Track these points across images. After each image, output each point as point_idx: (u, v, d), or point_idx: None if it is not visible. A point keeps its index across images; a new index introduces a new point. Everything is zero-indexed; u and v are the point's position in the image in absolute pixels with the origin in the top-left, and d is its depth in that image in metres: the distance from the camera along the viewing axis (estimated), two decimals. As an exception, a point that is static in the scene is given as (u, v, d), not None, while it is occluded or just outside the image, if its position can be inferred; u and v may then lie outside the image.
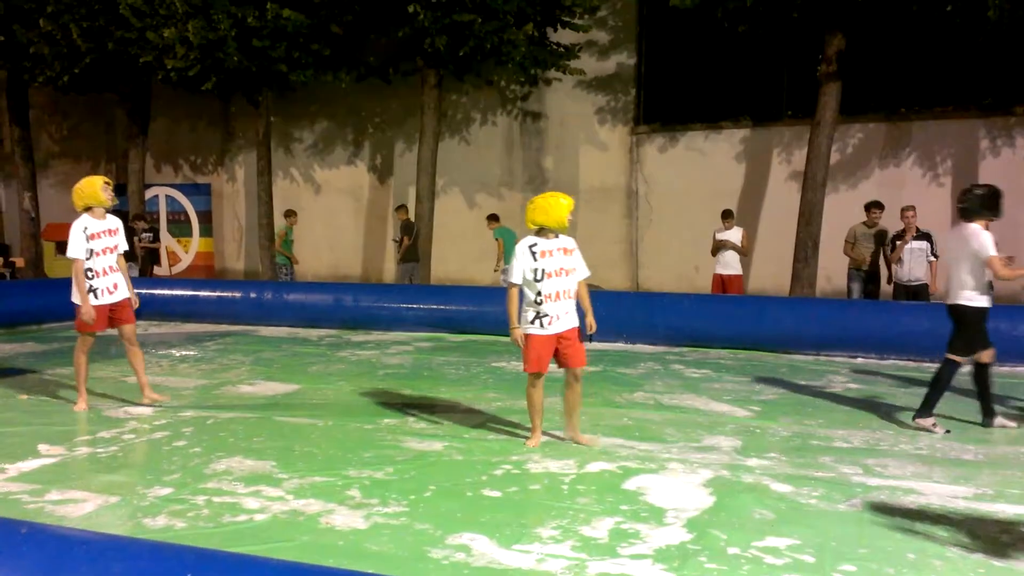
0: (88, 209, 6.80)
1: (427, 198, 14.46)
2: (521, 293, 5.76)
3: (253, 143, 16.49)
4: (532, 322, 5.69)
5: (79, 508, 4.54)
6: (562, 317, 5.68)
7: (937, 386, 6.24)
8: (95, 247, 6.73)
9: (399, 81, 15.00)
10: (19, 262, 18.22)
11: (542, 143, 16.04)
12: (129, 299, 7.00)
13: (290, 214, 14.53)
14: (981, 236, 6.03)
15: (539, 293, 5.62)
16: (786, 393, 7.57)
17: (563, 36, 14.19)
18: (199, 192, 18.52)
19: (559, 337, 5.70)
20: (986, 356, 6.19)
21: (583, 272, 5.85)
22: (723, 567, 3.78)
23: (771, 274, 13.52)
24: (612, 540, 4.11)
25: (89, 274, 6.73)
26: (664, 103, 15.16)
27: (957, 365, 6.23)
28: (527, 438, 5.93)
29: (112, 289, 6.85)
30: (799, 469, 5.27)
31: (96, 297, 6.77)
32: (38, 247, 18.60)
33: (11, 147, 18.35)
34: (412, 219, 14.34)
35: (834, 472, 5.20)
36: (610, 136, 15.49)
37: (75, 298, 6.80)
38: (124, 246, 7.00)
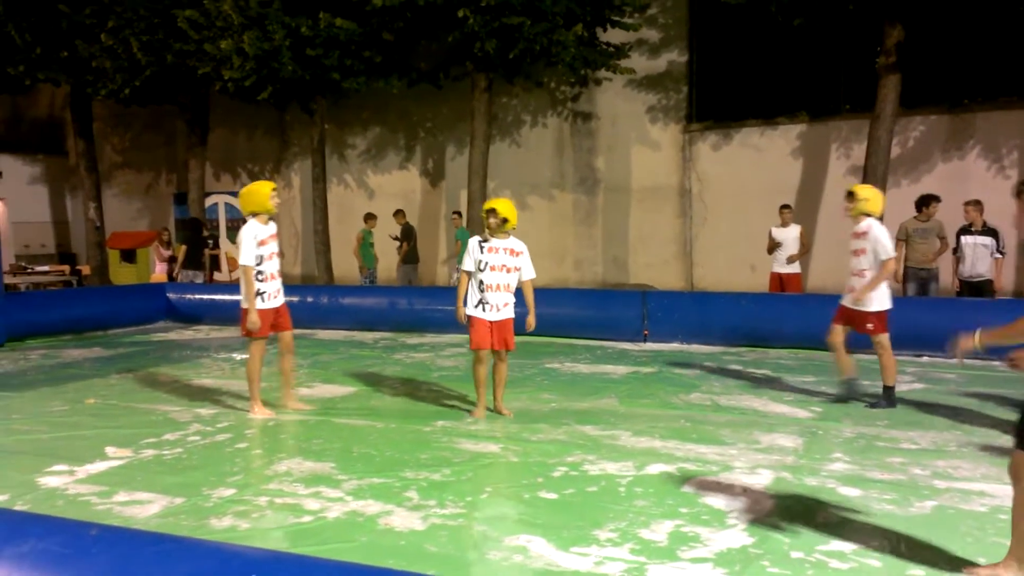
0: (254, 215, 6.84)
1: (479, 201, 14.48)
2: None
3: (308, 150, 16.75)
4: (476, 306, 6.58)
5: (145, 509, 4.65)
6: (501, 308, 6.56)
7: None
8: (263, 252, 6.82)
9: (449, 86, 15.09)
10: (85, 270, 18.79)
11: (593, 143, 15.97)
12: (286, 304, 7.15)
13: (369, 217, 14.69)
14: None
15: (481, 283, 6.53)
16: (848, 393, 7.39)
17: (613, 35, 14.11)
18: (256, 199, 18.82)
19: (495, 324, 6.56)
20: None
21: (528, 273, 6.68)
22: (786, 571, 3.71)
23: (830, 272, 13.23)
24: (672, 543, 4.06)
25: (260, 278, 6.83)
26: (717, 100, 14.97)
27: None
28: (585, 437, 5.90)
29: (276, 294, 6.99)
30: (864, 471, 5.14)
31: (263, 301, 6.87)
32: (103, 255, 19.16)
33: (76, 159, 18.96)
34: (410, 222, 14.91)
35: (901, 474, 5.07)
36: (662, 135, 15.35)
37: (244, 304, 6.87)
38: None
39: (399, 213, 14.96)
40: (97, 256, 19.13)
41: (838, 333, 7.03)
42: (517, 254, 6.59)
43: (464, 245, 13.32)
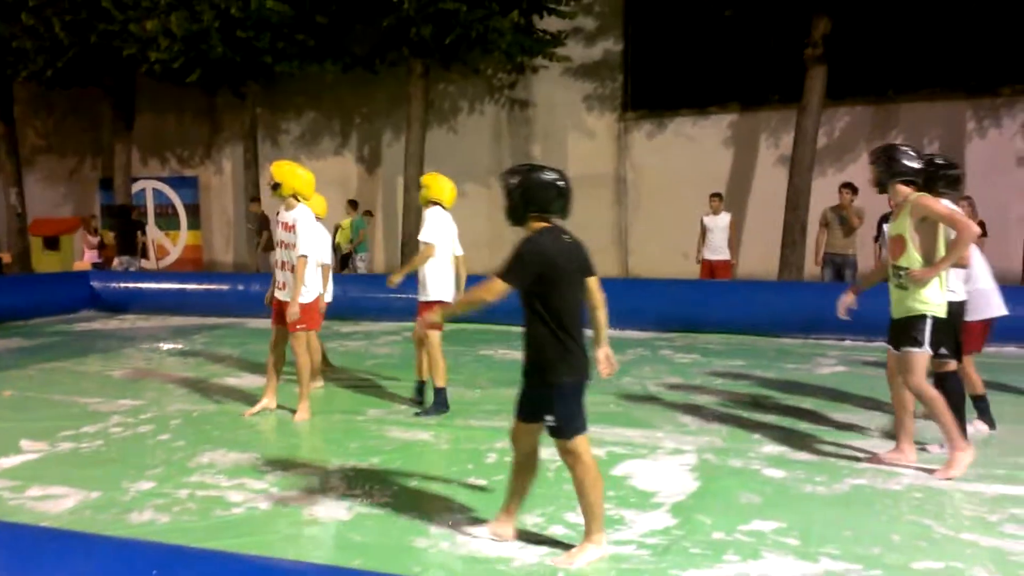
0: (294, 198, 6.26)
1: (415, 187, 14.37)
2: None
3: (240, 135, 16.39)
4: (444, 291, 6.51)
5: (60, 504, 4.50)
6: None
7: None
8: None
9: (385, 71, 14.91)
10: (6, 258, 18.10)
11: (530, 131, 15.97)
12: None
13: (352, 205, 14.44)
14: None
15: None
16: (775, 376, 7.56)
17: (549, 23, 14.10)
18: (186, 185, 18.39)
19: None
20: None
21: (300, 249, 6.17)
22: (707, 552, 3.77)
23: (760, 259, 13.50)
24: (597, 526, 4.09)
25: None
26: (651, 89, 15.10)
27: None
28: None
29: (282, 287, 6.45)
30: (786, 453, 5.26)
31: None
32: (25, 242, 18.47)
33: (-5, 142, 18.20)
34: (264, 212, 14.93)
35: (821, 455, 5.19)
36: (598, 123, 15.44)
37: (299, 296, 6.23)
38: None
39: (255, 201, 14.99)
40: (19, 243, 18.44)
41: None
42: (289, 228, 6.21)
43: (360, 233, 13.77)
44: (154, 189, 18.37)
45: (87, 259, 15.18)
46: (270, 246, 14.31)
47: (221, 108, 17.92)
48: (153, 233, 17.65)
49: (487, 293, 3.57)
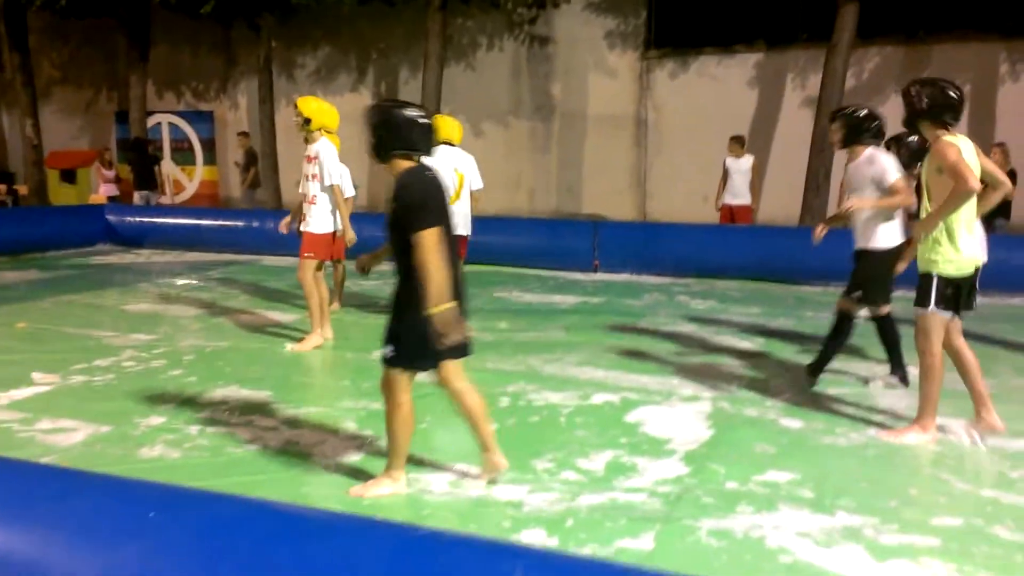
0: (322, 132, 6.42)
1: (432, 126, 14.15)
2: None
3: (255, 70, 16.13)
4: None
5: (69, 437, 4.50)
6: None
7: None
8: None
9: (403, 5, 14.57)
10: (22, 189, 18.09)
11: (550, 69, 15.62)
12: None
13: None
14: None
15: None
16: (793, 325, 7.44)
17: (572, -45, 13.68)
18: (202, 120, 18.19)
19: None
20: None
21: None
22: (719, 502, 3.71)
23: (782, 204, 13.25)
24: (608, 473, 4.05)
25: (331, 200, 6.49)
26: (676, 27, 14.66)
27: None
28: (530, 368, 5.85)
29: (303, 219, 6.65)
30: (802, 403, 5.17)
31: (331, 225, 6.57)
32: (42, 175, 18.42)
33: (11, 73, 18.00)
34: (253, 146, 14.99)
35: (838, 406, 5.10)
36: (619, 61, 15.06)
37: (334, 225, 6.53)
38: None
39: (243, 135, 15.01)
40: (35, 176, 18.37)
41: None
42: (311, 160, 6.41)
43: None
44: (170, 123, 18.20)
45: (103, 192, 15.13)
46: (256, 183, 14.33)
47: (236, 41, 17.62)
48: (169, 168, 17.54)
49: (430, 253, 3.45)
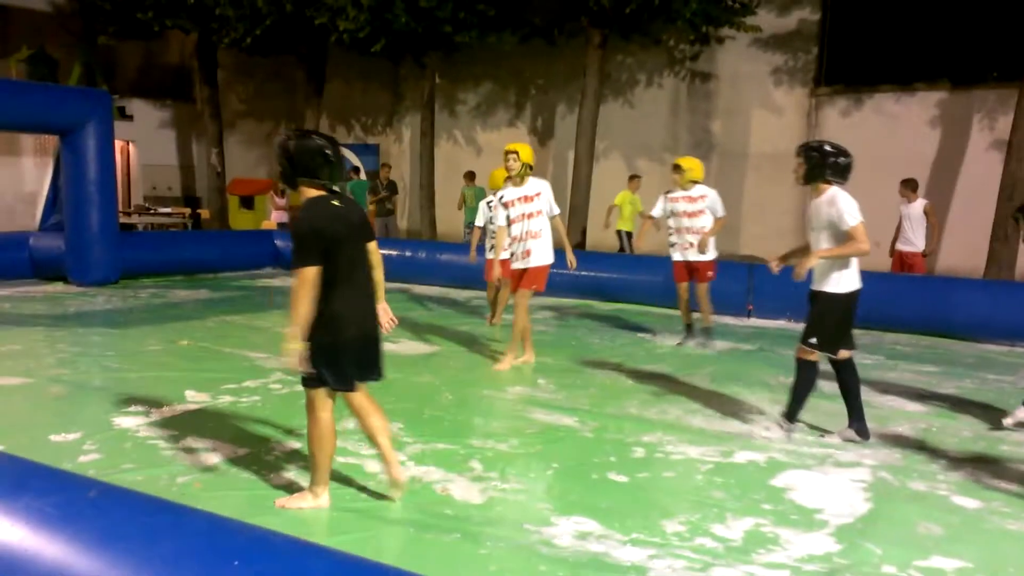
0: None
1: (585, 161, 14.07)
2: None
3: (419, 105, 16.68)
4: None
5: (208, 458, 4.60)
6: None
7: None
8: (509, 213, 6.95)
9: (563, 43, 14.64)
10: (205, 214, 19.46)
11: (711, 106, 15.19)
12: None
13: (469, 176, 14.53)
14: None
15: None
16: (973, 388, 6.68)
17: (740, -10, 13.28)
18: (368, 152, 18.99)
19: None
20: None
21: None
22: (874, 589, 3.27)
23: (964, 253, 12.18)
24: (747, 543, 3.68)
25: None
26: (849, 62, 13.91)
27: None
28: (669, 417, 5.53)
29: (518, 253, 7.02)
30: (979, 478, 4.57)
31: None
32: (223, 200, 19.77)
33: (201, 106, 19.53)
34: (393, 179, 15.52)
35: (1022, 485, 4.47)
36: (786, 98, 14.44)
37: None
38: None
39: (386, 167, 15.42)
40: (217, 201, 19.76)
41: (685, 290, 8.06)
42: (529, 199, 6.78)
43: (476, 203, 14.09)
44: (339, 155, 19.09)
45: (274, 219, 16.00)
46: (382, 211, 14.63)
47: (404, 78, 18.32)
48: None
49: (301, 289, 3.63)
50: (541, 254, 6.82)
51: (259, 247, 13.68)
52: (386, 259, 13.29)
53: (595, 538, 3.67)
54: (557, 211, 6.95)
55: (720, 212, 7.98)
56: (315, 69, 17.74)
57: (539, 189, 6.80)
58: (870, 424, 5.59)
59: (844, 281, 5.04)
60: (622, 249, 13.04)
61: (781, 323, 9.47)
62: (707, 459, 4.80)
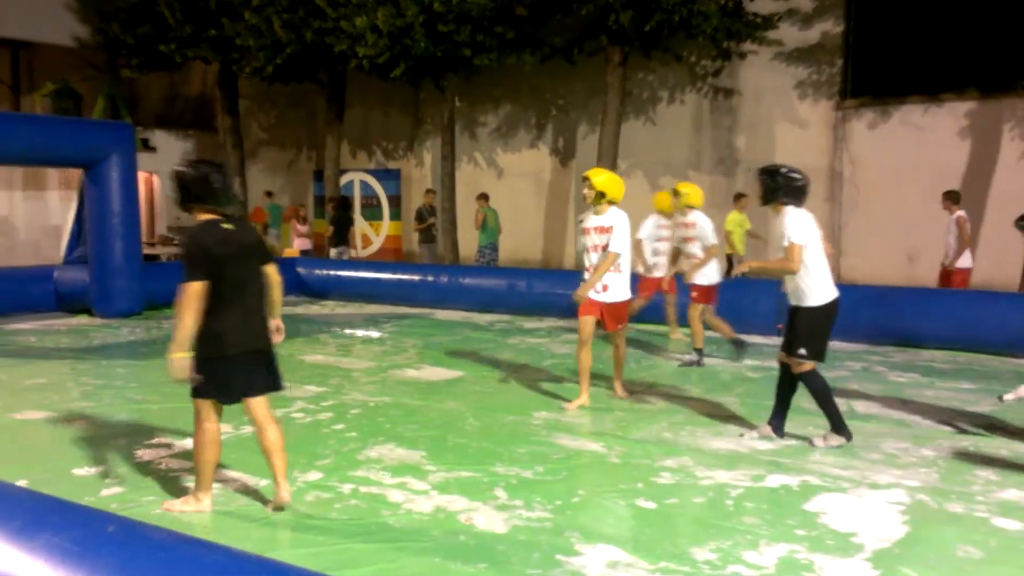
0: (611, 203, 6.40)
1: (609, 181, 13.98)
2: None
3: (439, 128, 16.71)
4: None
5: (229, 490, 4.54)
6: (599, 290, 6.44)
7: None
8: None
9: (583, 61, 14.59)
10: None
11: (734, 121, 15.06)
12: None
13: (481, 197, 14.42)
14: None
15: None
16: (1011, 405, 6.46)
17: (761, 5, 13.19)
18: (390, 177, 19.07)
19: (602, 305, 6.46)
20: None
21: (613, 247, 6.36)
22: (917, 620, 3.12)
23: (999, 267, 11.91)
24: (781, 571, 3.55)
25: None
26: (875, 74, 13.72)
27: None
28: (698, 440, 5.39)
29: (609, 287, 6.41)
30: (1019, 499, 4.39)
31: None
32: (246, 229, 19.87)
33: (223, 135, 19.73)
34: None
35: (1070, 507, 4.28)
36: (811, 112, 14.28)
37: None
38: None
39: (431, 192, 15.32)
40: (241, 229, 19.85)
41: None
42: (604, 231, 6.33)
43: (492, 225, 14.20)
44: (361, 181, 19.20)
45: (296, 246, 16.07)
46: (428, 237, 14.55)
47: (424, 102, 18.38)
48: (359, 223, 18.45)
49: (185, 303, 3.89)
50: (618, 289, 6.35)
51: (282, 275, 13.66)
52: (407, 284, 13.10)
53: (623, 567, 3.56)
54: (616, 251, 6.27)
55: (710, 241, 7.95)
56: (335, 95, 17.86)
57: (612, 223, 6.28)
58: (907, 443, 5.44)
59: (817, 294, 5.28)
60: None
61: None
62: (738, 483, 4.66)
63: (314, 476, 4.80)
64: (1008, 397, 5.76)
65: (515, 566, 3.59)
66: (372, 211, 19.10)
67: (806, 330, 5.27)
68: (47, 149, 10.42)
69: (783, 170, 5.42)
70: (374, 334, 10.04)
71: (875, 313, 9.12)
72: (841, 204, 14.09)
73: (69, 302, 11.46)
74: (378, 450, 5.29)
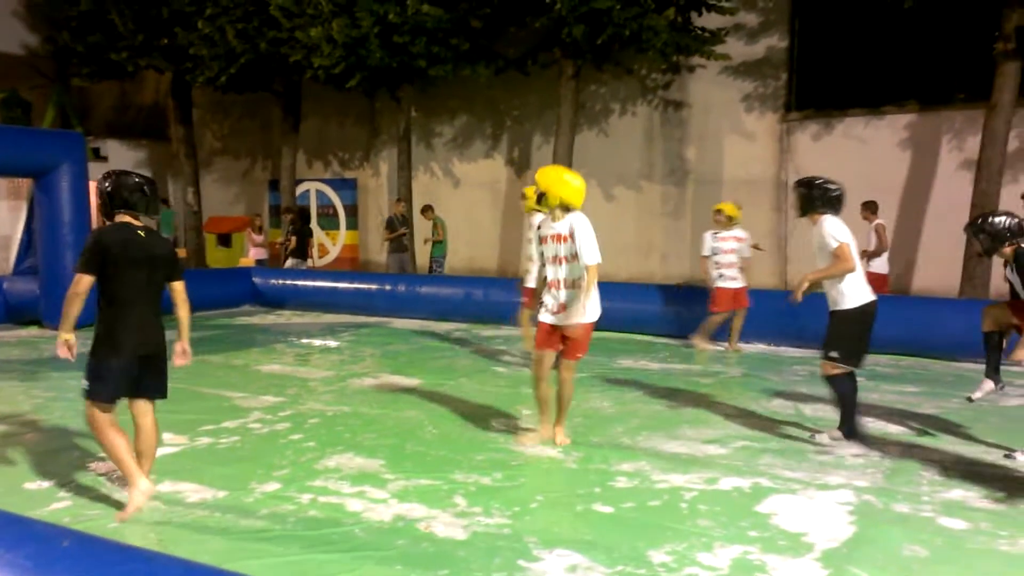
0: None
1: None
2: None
3: (395, 138, 16.73)
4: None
5: (184, 502, 4.52)
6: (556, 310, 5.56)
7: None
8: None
9: (537, 74, 14.74)
10: (182, 252, 19.33)
11: (684, 133, 15.35)
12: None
13: (426, 209, 14.46)
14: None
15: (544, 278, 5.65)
16: (955, 407, 6.70)
17: (708, 20, 13.47)
18: (346, 186, 19.02)
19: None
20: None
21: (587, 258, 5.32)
22: (863, 615, 3.25)
23: (939, 273, 12.31)
24: (734, 572, 3.66)
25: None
26: (819, 87, 14.11)
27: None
28: (653, 445, 5.49)
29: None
30: (965, 499, 4.58)
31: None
32: (200, 239, 19.67)
33: (176, 145, 19.49)
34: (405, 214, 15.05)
35: (1005, 504, 4.48)
36: (758, 124, 14.62)
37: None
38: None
39: (399, 202, 15.24)
40: (194, 240, 19.66)
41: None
42: (564, 239, 5.32)
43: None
44: (317, 190, 19.11)
45: (252, 256, 15.92)
46: (398, 247, 14.39)
47: (379, 112, 18.38)
48: (315, 232, 18.33)
49: (73, 293, 4.17)
50: (578, 309, 5.27)
51: (237, 285, 13.56)
52: (364, 293, 13.00)
53: (582, 570, 3.64)
54: (589, 261, 5.25)
55: (747, 254, 9.31)
56: (291, 105, 17.76)
57: (570, 229, 5.31)
58: (854, 449, 5.60)
59: (850, 297, 5.40)
60: None
61: (762, 347, 9.50)
62: (692, 487, 4.78)
63: (272, 487, 4.79)
64: (976, 395, 5.87)
65: (476, 572, 3.65)
66: (328, 220, 19.03)
67: (838, 332, 5.44)
68: (-5, 158, 10.20)
69: (818, 181, 5.65)
70: (331, 343, 10.01)
71: (821, 320, 9.35)
72: (787, 213, 14.41)
73: (19, 313, 11.20)
74: (337, 459, 5.30)
